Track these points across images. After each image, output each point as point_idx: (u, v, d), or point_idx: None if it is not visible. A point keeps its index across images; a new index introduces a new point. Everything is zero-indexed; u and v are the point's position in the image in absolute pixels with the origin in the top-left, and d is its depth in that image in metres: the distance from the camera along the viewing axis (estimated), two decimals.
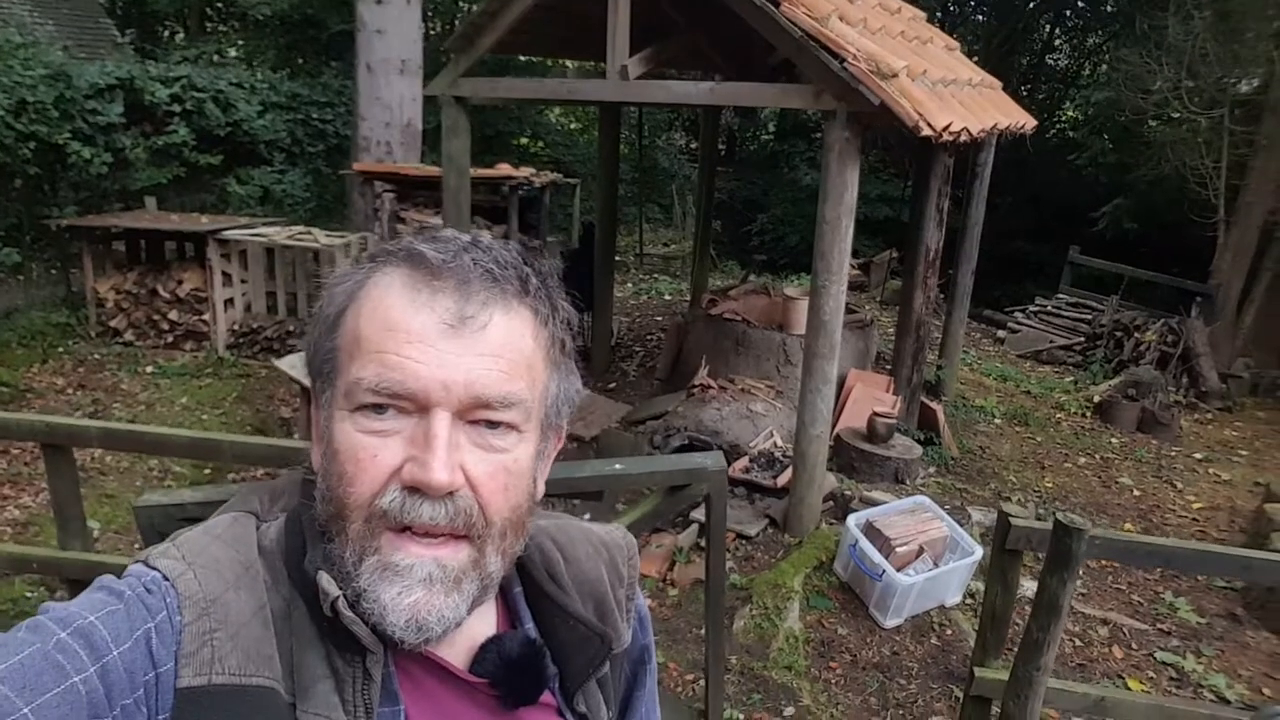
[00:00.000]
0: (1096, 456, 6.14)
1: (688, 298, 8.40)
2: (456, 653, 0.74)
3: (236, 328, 7.11)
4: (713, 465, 2.77)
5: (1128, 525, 5.10)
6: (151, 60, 10.16)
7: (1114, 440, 6.51)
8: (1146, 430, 6.69)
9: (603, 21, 4.37)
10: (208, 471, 5.15)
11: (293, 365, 5.23)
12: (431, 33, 11.50)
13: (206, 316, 6.98)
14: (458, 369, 0.65)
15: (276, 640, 0.66)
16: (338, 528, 0.67)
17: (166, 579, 0.66)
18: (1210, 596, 4.31)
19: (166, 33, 13.86)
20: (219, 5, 13.61)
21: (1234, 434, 6.99)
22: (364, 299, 0.69)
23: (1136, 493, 5.59)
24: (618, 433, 5.88)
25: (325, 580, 0.67)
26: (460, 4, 13.70)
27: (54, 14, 12.21)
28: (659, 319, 8.60)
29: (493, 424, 0.68)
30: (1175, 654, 3.79)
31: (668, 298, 9.79)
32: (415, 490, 0.65)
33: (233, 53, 12.91)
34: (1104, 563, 4.46)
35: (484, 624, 0.77)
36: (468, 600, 0.68)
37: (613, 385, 6.78)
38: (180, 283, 7.02)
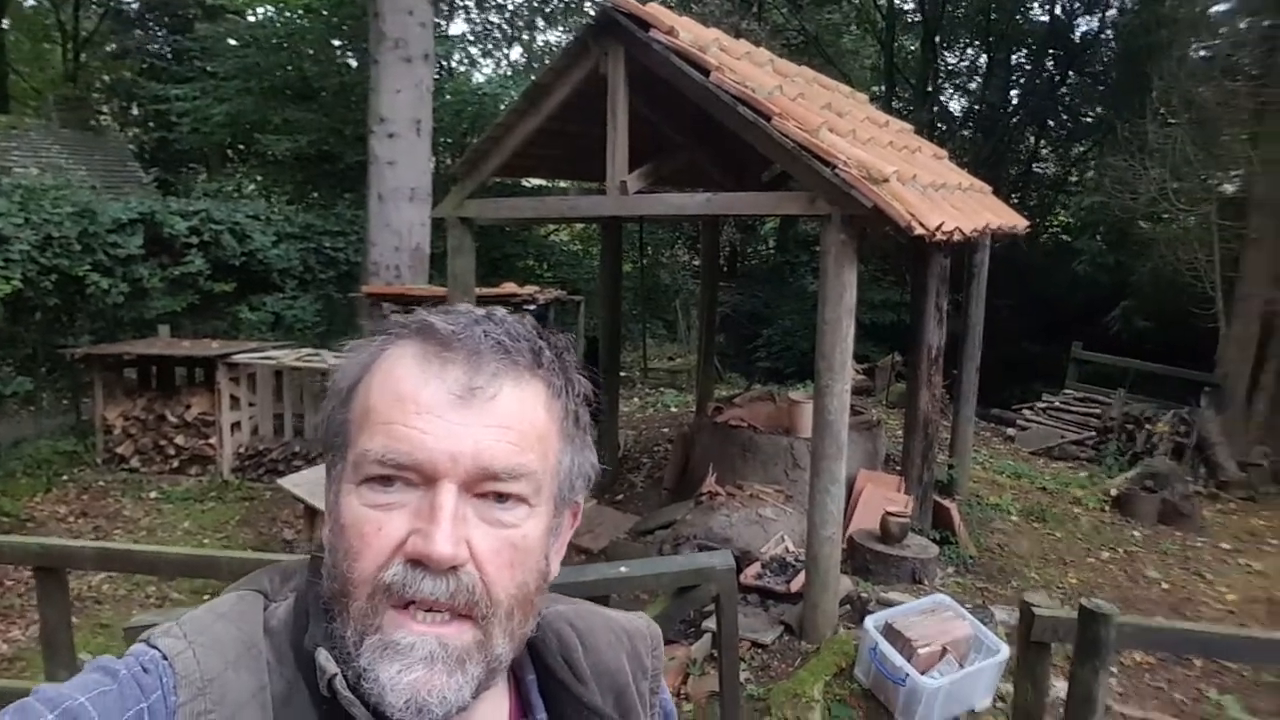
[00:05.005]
0: (1120, 550, 5.95)
1: (694, 409, 8.38)
2: None
3: (243, 450, 7.10)
4: (720, 565, 2.70)
5: (1160, 619, 4.87)
6: (173, 196, 10.61)
7: (1136, 534, 6.32)
8: (1169, 522, 6.51)
9: (602, 144, 4.54)
10: (206, 597, 5.02)
11: (296, 483, 5.18)
12: (442, 165, 12.04)
13: (213, 440, 6.99)
14: (465, 440, 0.64)
15: None
16: (341, 605, 0.66)
17: (165, 658, 0.64)
18: (1260, 694, 4.06)
19: (189, 173, 14.55)
20: (240, 146, 14.32)
21: (1261, 523, 6.79)
22: (375, 371, 0.69)
23: (1165, 586, 5.38)
24: (626, 544, 5.75)
25: (323, 657, 0.65)
26: (469, 138, 14.39)
27: (87, 160, 12.96)
28: (665, 430, 8.55)
29: (501, 497, 0.66)
30: None
31: (674, 410, 9.77)
32: (418, 564, 0.63)
33: (251, 188, 13.48)
34: (1139, 660, 4.24)
35: (495, 712, 0.73)
36: (472, 683, 0.65)
37: (620, 497, 6.68)
38: (189, 407, 7.07)
